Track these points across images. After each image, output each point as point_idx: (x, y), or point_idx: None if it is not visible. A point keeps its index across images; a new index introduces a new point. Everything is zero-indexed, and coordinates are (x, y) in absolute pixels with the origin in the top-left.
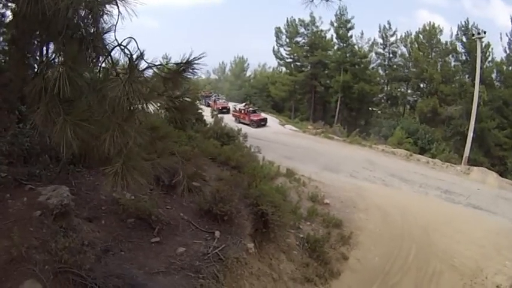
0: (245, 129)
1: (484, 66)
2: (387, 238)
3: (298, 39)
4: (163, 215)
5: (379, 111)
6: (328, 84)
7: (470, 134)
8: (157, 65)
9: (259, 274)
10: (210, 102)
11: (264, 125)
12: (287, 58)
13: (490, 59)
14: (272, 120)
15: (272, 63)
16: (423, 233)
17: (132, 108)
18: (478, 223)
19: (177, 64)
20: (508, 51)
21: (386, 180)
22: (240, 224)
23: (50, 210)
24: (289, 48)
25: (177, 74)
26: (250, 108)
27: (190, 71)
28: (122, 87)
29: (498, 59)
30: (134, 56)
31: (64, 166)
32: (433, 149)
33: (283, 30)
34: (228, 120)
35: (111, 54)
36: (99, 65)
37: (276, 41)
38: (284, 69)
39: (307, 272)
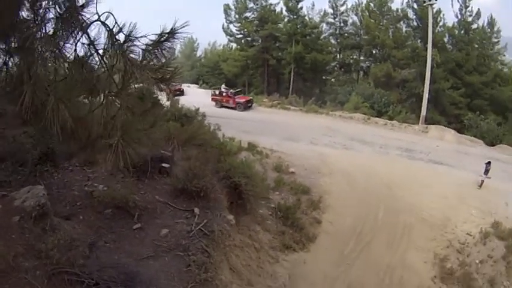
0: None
1: (436, 31)
2: (355, 199)
3: (248, 14)
4: (139, 200)
5: (333, 80)
6: (280, 56)
7: (426, 95)
8: (139, 37)
9: (242, 245)
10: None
11: (251, 107)
12: (237, 34)
13: (441, 24)
14: None
15: (222, 40)
16: (389, 191)
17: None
18: (441, 177)
19: (159, 35)
20: (459, 17)
21: (346, 144)
22: (216, 198)
23: (28, 213)
24: (239, 24)
25: (158, 45)
26: (232, 90)
27: (174, 41)
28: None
29: (450, 24)
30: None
31: (32, 167)
32: (390, 112)
33: (232, 7)
34: (203, 105)
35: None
36: (78, 40)
37: (225, 18)
38: (235, 45)
39: (285, 239)
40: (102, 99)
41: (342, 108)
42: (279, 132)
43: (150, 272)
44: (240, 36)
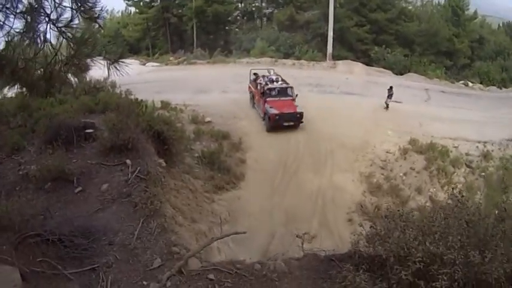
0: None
1: None
2: (274, 136)
3: None
4: (74, 168)
5: (236, 29)
6: (181, 13)
7: (330, 34)
8: None
9: (177, 188)
10: None
11: (297, 124)
12: None
13: None
14: (132, 64)
15: (120, 6)
16: (306, 124)
17: None
18: (354, 106)
19: None
20: None
21: None
22: (143, 147)
23: None
24: None
25: None
26: (270, 83)
27: None
28: None
29: None
30: None
31: None
32: (297, 52)
33: None
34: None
35: None
36: None
37: None
38: (133, 9)
39: (215, 182)
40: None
41: (248, 55)
42: (189, 87)
43: (103, 221)
44: None
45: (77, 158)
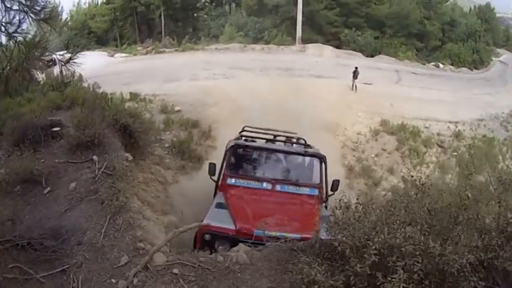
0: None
1: None
2: (245, 121)
3: None
4: (42, 168)
5: (205, 15)
6: (148, 1)
7: (299, 17)
8: None
9: (146, 181)
10: None
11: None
12: None
13: None
14: (100, 55)
15: None
16: (276, 107)
17: None
18: (324, 88)
19: None
20: None
21: (226, 73)
22: (110, 142)
23: None
24: None
25: None
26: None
27: None
28: None
29: None
30: None
31: None
32: (266, 37)
33: None
34: None
35: None
36: None
37: None
38: (100, 0)
39: (186, 172)
40: None
41: (217, 42)
42: (158, 76)
43: (72, 220)
44: None
45: (45, 157)
